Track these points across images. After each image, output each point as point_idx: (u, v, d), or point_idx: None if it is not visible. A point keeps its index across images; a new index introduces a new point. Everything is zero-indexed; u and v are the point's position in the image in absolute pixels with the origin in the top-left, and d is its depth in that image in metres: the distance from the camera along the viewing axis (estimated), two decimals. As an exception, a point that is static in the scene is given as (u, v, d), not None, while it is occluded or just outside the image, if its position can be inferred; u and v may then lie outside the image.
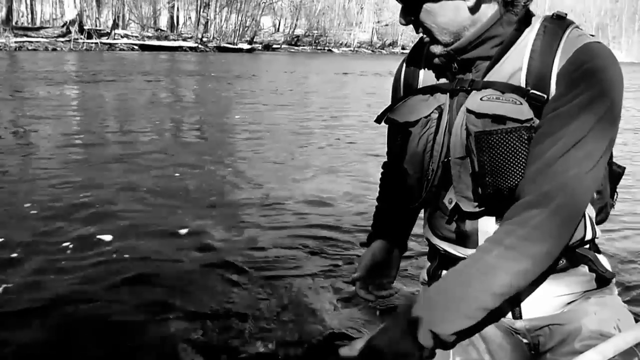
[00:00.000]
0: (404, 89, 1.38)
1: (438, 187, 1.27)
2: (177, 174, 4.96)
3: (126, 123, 7.98)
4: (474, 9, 1.16)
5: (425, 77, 1.33)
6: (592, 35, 1.14)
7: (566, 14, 1.18)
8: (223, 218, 3.74)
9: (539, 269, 1.12)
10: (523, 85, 1.14)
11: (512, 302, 1.23)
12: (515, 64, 1.16)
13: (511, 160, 1.12)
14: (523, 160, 1.12)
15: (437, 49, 1.21)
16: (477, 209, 1.20)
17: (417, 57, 1.37)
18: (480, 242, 1.22)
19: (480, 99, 1.15)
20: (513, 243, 1.10)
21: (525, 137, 1.11)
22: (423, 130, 1.24)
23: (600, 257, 1.28)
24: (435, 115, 1.23)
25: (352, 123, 8.68)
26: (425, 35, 1.23)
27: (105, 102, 10.23)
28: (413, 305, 1.18)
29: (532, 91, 1.12)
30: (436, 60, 1.25)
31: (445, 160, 1.23)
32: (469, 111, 1.16)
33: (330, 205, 4.13)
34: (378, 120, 1.40)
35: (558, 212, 1.09)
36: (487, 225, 1.23)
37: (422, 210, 1.45)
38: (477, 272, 1.12)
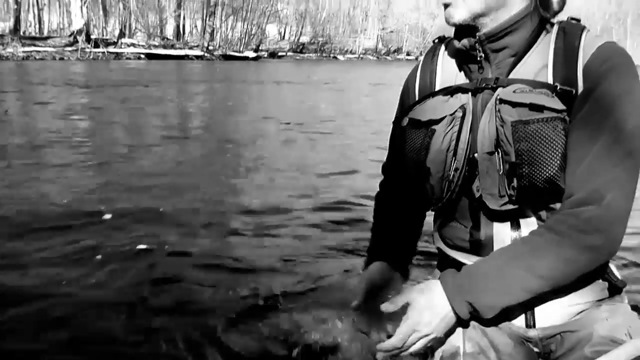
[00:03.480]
0: (420, 92, 1.37)
1: (461, 187, 1.24)
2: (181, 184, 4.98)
3: (133, 133, 8.03)
4: None
5: (443, 79, 1.33)
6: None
7: (580, 19, 1.21)
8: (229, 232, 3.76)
9: (586, 261, 1.11)
10: (550, 82, 1.15)
11: (529, 305, 1.21)
12: (539, 62, 1.18)
13: (549, 149, 1.11)
14: (560, 150, 1.11)
15: (460, 14, 1.19)
16: (503, 208, 1.18)
17: (432, 60, 1.37)
18: (496, 250, 1.20)
19: (514, 91, 1.14)
20: (565, 231, 1.10)
21: (561, 128, 1.11)
22: (448, 128, 1.22)
23: (612, 265, 1.27)
24: (459, 114, 1.22)
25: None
26: (447, 0, 1.20)
27: (109, 109, 10.27)
28: (454, 272, 1.19)
29: (560, 87, 1.13)
30: (460, 44, 1.24)
31: (471, 156, 1.21)
32: (502, 102, 1.15)
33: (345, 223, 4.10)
34: (397, 120, 1.38)
35: (610, 207, 1.08)
36: (502, 233, 1.22)
37: (433, 220, 1.42)
38: (526, 251, 1.12)
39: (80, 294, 2.65)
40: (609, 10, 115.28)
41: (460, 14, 1.19)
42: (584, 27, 1.18)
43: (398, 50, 72.28)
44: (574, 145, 1.12)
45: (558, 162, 1.11)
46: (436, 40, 1.40)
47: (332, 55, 60.77)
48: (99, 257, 3.11)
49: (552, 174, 1.11)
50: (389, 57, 68.71)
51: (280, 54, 53.66)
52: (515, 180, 1.14)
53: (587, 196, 1.09)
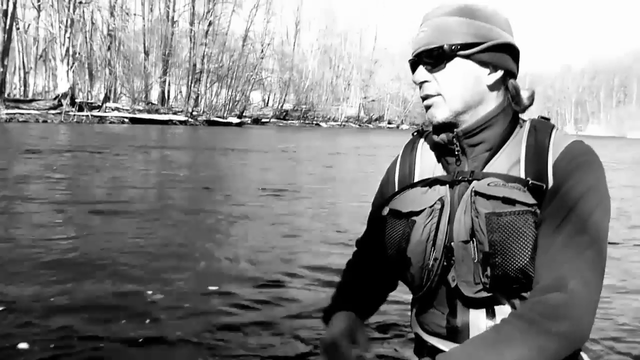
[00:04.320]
0: (399, 183, 1.43)
1: (440, 276, 1.27)
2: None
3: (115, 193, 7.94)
4: (492, 87, 1.26)
5: (422, 170, 1.39)
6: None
7: (549, 118, 1.31)
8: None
9: (556, 349, 1.09)
10: (522, 176, 1.21)
11: None
12: (512, 157, 1.25)
13: (521, 241, 1.16)
14: (531, 242, 1.16)
15: (442, 114, 1.27)
16: (477, 295, 1.21)
17: (412, 152, 1.44)
18: (471, 337, 1.22)
19: (488, 185, 1.21)
20: (534, 318, 1.10)
21: (532, 221, 1.16)
22: (427, 220, 1.26)
23: (584, 355, 1.28)
24: (438, 206, 1.26)
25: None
26: (429, 102, 1.28)
27: (85, 171, 10.20)
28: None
29: (532, 181, 1.18)
30: (439, 139, 1.31)
31: (448, 245, 1.25)
32: (477, 194, 1.21)
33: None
34: (376, 207, 1.43)
35: (574, 294, 1.10)
36: (478, 320, 1.24)
37: (410, 306, 1.45)
38: (498, 339, 1.11)
39: None
40: (582, 84, 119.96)
41: (443, 114, 1.27)
42: (553, 126, 1.26)
43: (380, 119, 73.97)
44: (542, 236, 1.16)
45: (529, 253, 1.15)
46: (415, 133, 1.48)
47: (315, 122, 61.88)
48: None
49: (523, 264, 1.16)
50: (370, 125, 70.19)
51: (263, 120, 54.58)
52: (489, 269, 1.18)
53: (552, 283, 1.12)
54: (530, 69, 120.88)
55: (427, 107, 1.29)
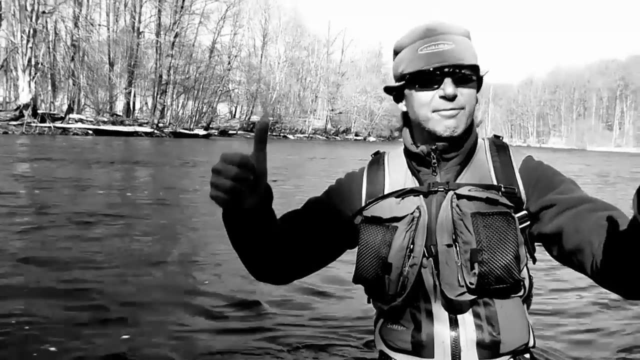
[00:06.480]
0: (368, 195, 1.46)
1: (414, 285, 1.31)
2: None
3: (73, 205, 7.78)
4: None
5: (391, 185, 1.44)
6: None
7: (503, 137, 1.52)
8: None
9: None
10: (495, 184, 1.35)
11: None
12: (482, 170, 1.38)
13: (505, 239, 1.25)
14: (513, 240, 1.26)
15: (462, 126, 1.36)
16: (460, 298, 1.25)
17: (379, 168, 1.50)
18: (436, 351, 1.28)
19: (469, 190, 1.31)
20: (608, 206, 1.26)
21: (512, 221, 1.28)
22: (408, 226, 1.31)
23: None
24: (417, 214, 1.32)
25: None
26: (454, 113, 1.34)
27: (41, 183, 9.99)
28: None
29: (504, 187, 1.33)
30: (419, 150, 1.39)
31: (430, 249, 1.32)
32: (460, 197, 1.29)
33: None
34: (353, 217, 1.46)
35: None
36: (442, 335, 1.29)
37: (374, 324, 1.49)
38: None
39: None
40: (543, 98, 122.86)
41: (463, 126, 1.36)
42: (506, 143, 1.46)
43: (347, 131, 74.38)
44: (552, 202, 1.31)
45: (513, 251, 1.24)
46: (374, 155, 1.57)
47: (282, 134, 61.89)
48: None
49: (508, 261, 1.23)
50: (338, 137, 70.48)
51: (230, 132, 54.33)
52: (476, 266, 1.23)
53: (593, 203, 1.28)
54: (493, 81, 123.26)
55: (449, 117, 1.33)
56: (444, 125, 1.32)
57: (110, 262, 4.50)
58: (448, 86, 1.30)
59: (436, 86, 1.31)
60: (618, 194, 13.01)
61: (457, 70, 1.30)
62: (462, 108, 1.32)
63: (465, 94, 1.32)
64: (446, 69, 1.29)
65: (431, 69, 1.30)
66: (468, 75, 1.32)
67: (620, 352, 2.89)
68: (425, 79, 1.32)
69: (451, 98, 1.30)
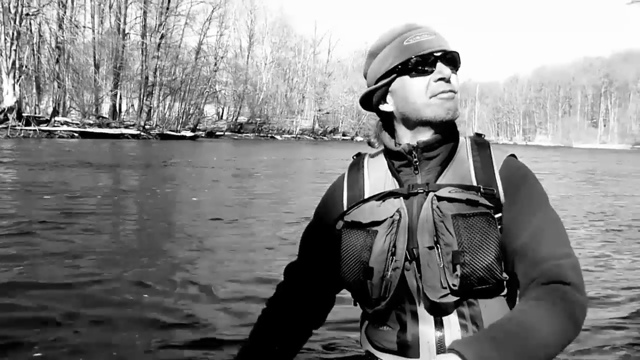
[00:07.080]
0: (349, 200, 1.46)
1: (397, 287, 1.31)
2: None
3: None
4: None
5: (372, 187, 1.43)
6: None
7: (484, 135, 1.50)
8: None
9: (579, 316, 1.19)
10: (475, 184, 1.33)
11: None
12: (462, 170, 1.37)
13: (486, 239, 1.24)
14: (495, 241, 1.25)
15: (458, 110, 1.38)
16: (442, 300, 1.26)
17: (359, 171, 1.49)
18: (422, 351, 1.29)
19: (449, 192, 1.29)
20: (554, 298, 1.19)
21: (493, 221, 1.27)
22: (388, 230, 1.31)
23: None
24: (397, 217, 1.32)
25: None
26: (451, 96, 1.35)
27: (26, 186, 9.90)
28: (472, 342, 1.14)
29: (483, 188, 1.31)
30: (400, 148, 1.39)
31: (412, 252, 1.31)
32: (440, 199, 1.28)
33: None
34: (334, 223, 1.46)
35: (572, 292, 1.21)
36: (427, 335, 1.30)
37: (360, 324, 1.49)
38: (519, 322, 1.14)
39: None
40: (529, 96, 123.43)
41: (459, 113, 1.39)
42: (488, 142, 1.44)
43: (334, 131, 74.40)
44: (512, 242, 1.29)
45: (495, 251, 1.24)
46: (355, 157, 1.56)
47: (269, 135, 61.76)
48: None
49: (490, 261, 1.23)
50: (325, 137, 70.46)
51: (218, 133, 54.14)
52: (458, 268, 1.23)
53: (548, 277, 1.23)
54: (479, 79, 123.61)
55: (449, 99, 1.35)
56: (445, 108, 1.33)
57: (81, 264, 4.48)
58: (444, 67, 1.32)
59: (431, 70, 1.33)
60: (601, 191, 13.12)
61: (447, 55, 1.34)
62: (456, 92, 1.35)
63: (454, 78, 1.35)
64: (437, 54, 1.33)
65: (425, 53, 1.32)
66: (457, 62, 1.36)
67: (611, 350, 2.91)
68: (418, 64, 1.32)
69: (448, 79, 1.33)
